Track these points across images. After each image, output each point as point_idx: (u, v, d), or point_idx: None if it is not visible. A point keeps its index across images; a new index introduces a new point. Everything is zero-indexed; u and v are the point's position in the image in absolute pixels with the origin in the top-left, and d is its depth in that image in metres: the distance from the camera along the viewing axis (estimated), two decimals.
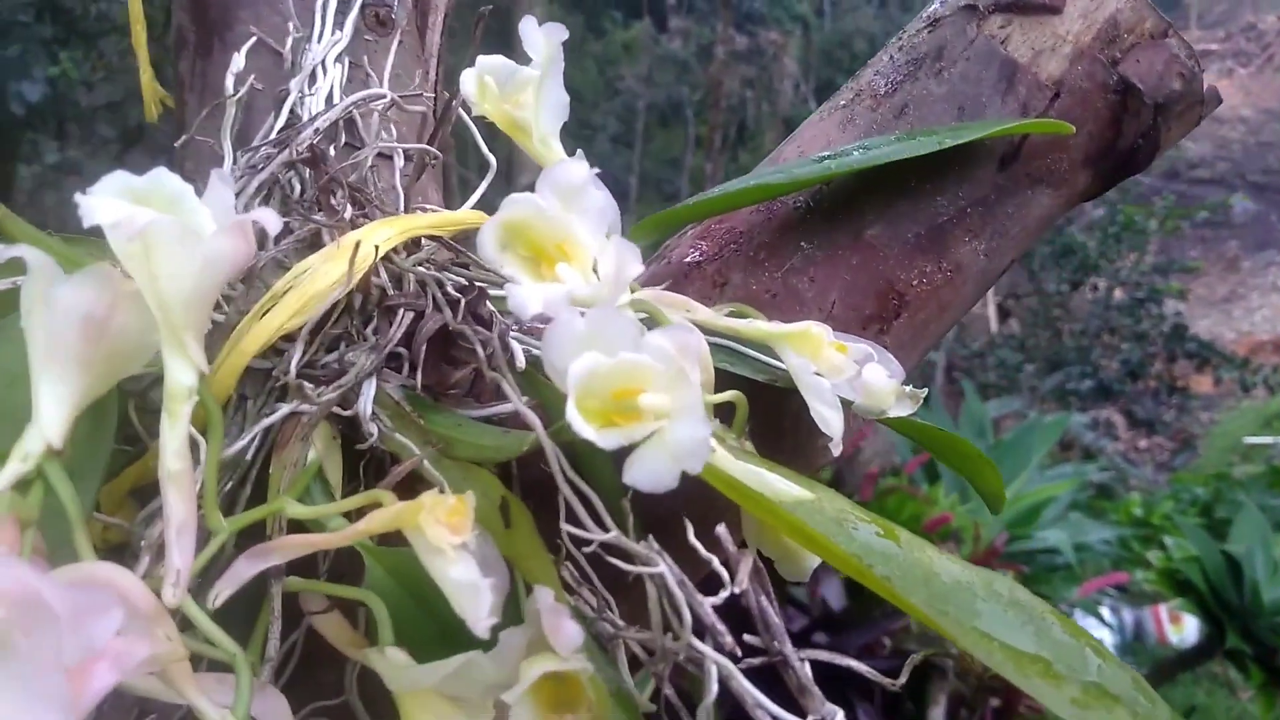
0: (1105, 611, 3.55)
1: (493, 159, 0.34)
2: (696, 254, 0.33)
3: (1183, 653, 3.31)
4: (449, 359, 0.29)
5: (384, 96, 0.35)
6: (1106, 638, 3.52)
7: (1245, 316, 10.31)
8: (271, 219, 0.22)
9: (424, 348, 0.28)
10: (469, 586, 0.23)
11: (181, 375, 0.23)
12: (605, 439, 0.23)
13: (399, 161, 0.33)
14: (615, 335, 0.24)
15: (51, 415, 0.22)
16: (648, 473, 0.23)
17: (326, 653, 0.27)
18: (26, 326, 0.23)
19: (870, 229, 0.32)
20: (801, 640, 1.98)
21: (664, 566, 0.25)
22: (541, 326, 0.34)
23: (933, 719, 2.12)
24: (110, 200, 0.22)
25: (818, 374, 0.29)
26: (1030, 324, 7.74)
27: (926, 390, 0.31)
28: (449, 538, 0.23)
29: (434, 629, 0.27)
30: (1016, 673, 0.25)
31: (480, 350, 0.28)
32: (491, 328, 0.29)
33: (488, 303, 0.29)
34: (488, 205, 0.29)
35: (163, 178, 0.24)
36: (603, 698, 0.24)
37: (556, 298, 0.25)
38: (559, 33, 0.31)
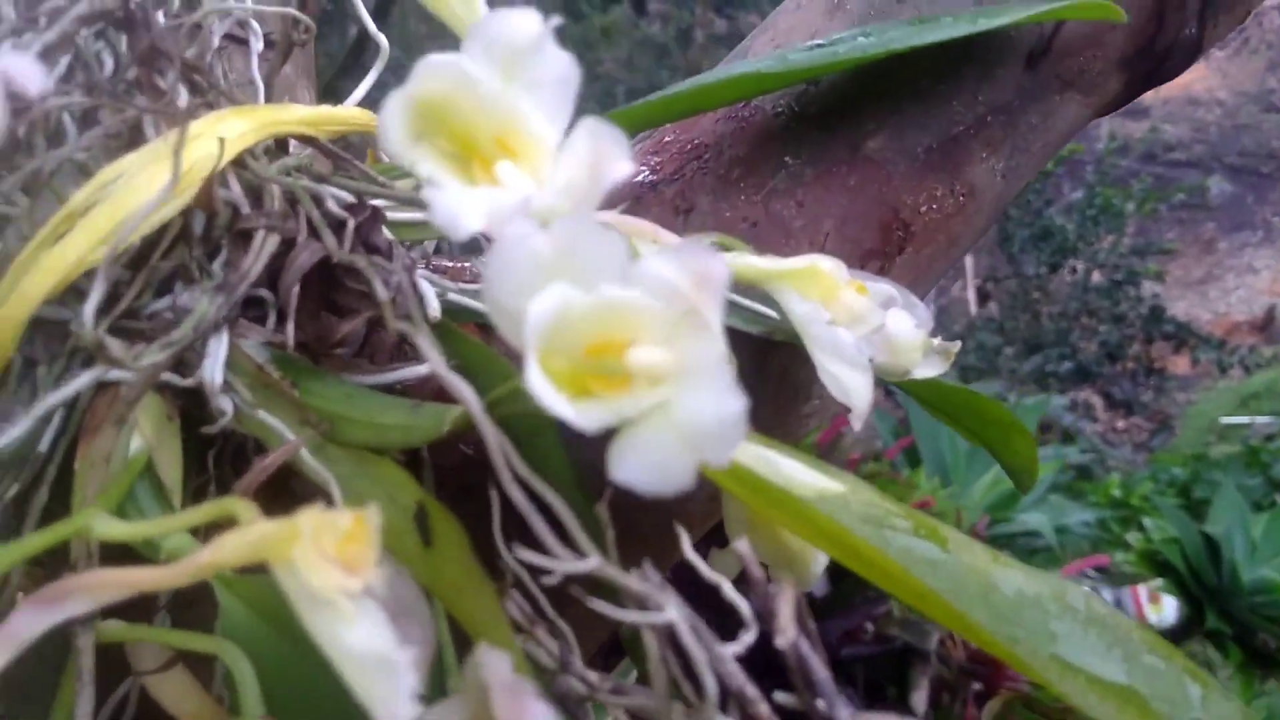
0: None
1: (384, 40, 0.27)
2: (650, 173, 0.26)
3: (1161, 633, 3.35)
4: (331, 305, 0.21)
5: None
6: None
7: (1222, 298, 10.40)
8: (32, 72, 0.14)
9: (297, 289, 0.20)
10: (374, 660, 0.15)
11: None
12: (584, 416, 0.16)
13: (256, 44, 0.26)
14: (594, 259, 0.16)
15: None
16: (648, 465, 0.16)
17: None
18: None
19: (871, 140, 0.26)
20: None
21: (674, 612, 0.17)
22: (456, 263, 0.27)
23: (915, 703, 2.10)
24: None
25: (832, 324, 0.22)
26: (1009, 307, 7.79)
27: (960, 342, 0.25)
28: (342, 581, 0.16)
29: (322, 690, 0.18)
30: (1111, 712, 0.19)
31: (381, 291, 0.21)
32: (392, 261, 0.22)
33: (384, 228, 0.22)
34: (374, 105, 0.22)
35: None
36: None
37: (506, 205, 0.18)
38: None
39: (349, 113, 0.23)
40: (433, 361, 0.18)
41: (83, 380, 0.18)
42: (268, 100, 0.26)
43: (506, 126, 0.19)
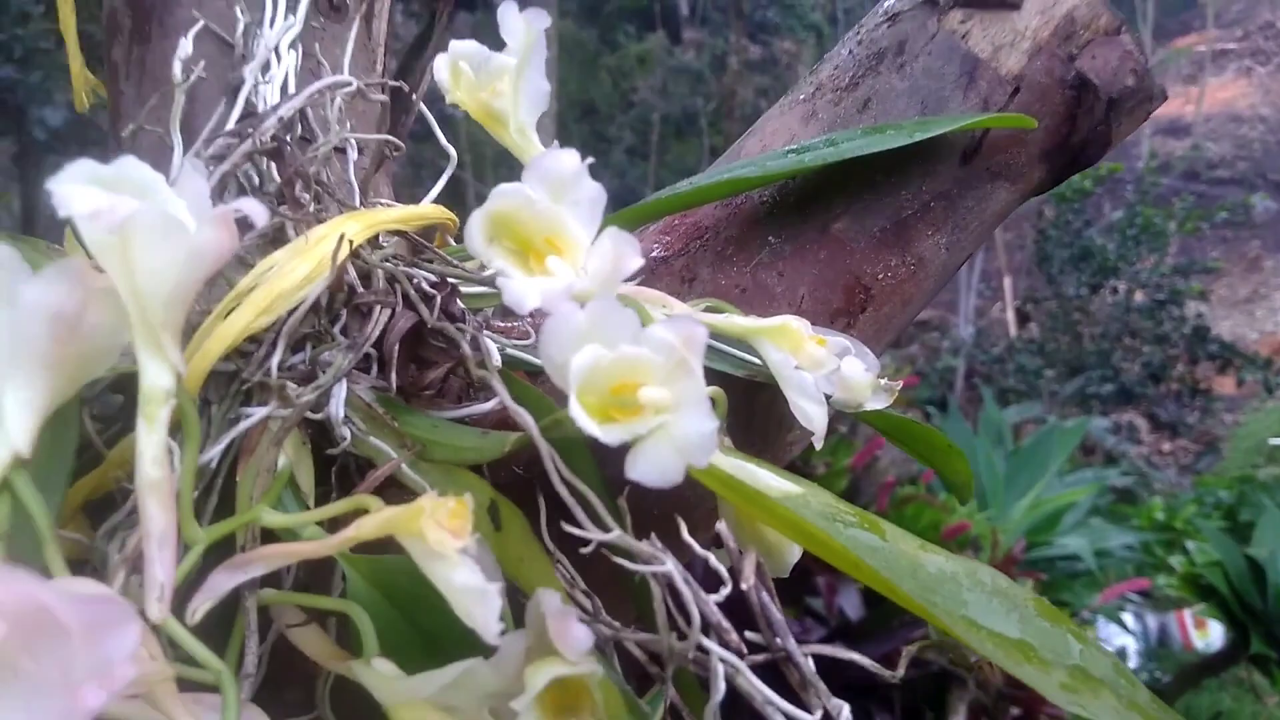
0: (1128, 618, 3.51)
1: (452, 151, 0.34)
2: (661, 250, 0.33)
3: (1207, 658, 3.26)
4: (418, 359, 0.29)
5: (349, 84, 0.34)
6: (1130, 644, 3.47)
7: (1268, 316, 10.18)
8: (258, 209, 0.22)
9: (397, 347, 0.28)
10: (476, 592, 0.22)
11: (159, 378, 0.22)
12: (608, 434, 0.23)
13: (352, 154, 0.33)
14: (616, 328, 0.23)
15: (18, 422, 0.21)
16: (653, 467, 0.22)
17: (292, 668, 0.26)
18: None
19: (837, 223, 0.33)
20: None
21: (670, 564, 0.24)
22: (506, 324, 0.34)
23: None
24: (86, 189, 0.21)
25: (799, 368, 0.29)
26: (1050, 328, 7.69)
27: (900, 383, 0.31)
28: (451, 542, 0.22)
29: (417, 638, 0.26)
30: (1007, 659, 0.25)
31: (465, 348, 0.28)
32: (464, 325, 0.29)
33: (458, 299, 0.29)
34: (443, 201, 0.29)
35: (131, 166, 0.22)
36: (611, 699, 0.24)
37: (556, 291, 0.25)
38: (540, 19, 0.31)
39: (427, 210, 0.31)
40: (504, 399, 0.25)
41: (260, 414, 0.25)
42: (361, 194, 0.33)
43: (554, 231, 0.26)
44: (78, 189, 0.21)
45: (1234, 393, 7.46)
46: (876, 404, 0.30)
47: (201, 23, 0.35)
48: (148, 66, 0.39)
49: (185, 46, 0.33)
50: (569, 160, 0.26)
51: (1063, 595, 2.97)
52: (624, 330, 0.23)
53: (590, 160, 0.26)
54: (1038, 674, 0.25)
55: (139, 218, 0.21)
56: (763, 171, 0.31)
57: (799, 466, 2.17)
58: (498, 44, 0.31)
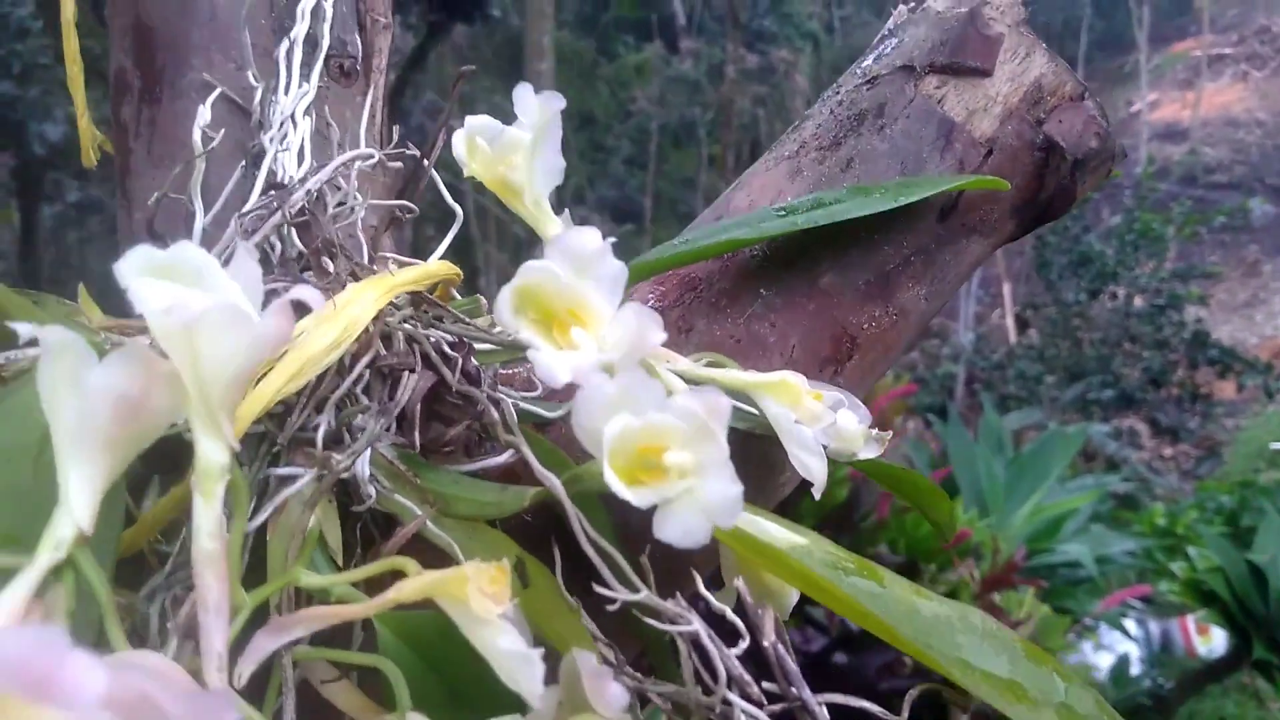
0: (1131, 624, 3.49)
1: (459, 209, 0.36)
2: (656, 300, 0.35)
3: (1210, 664, 3.25)
4: (437, 416, 0.31)
5: (372, 156, 0.36)
6: (1133, 651, 3.47)
7: (1268, 320, 10.19)
8: (315, 297, 0.23)
9: (419, 406, 0.30)
10: (520, 657, 0.23)
11: (216, 455, 0.23)
12: (639, 498, 0.24)
13: (360, 212, 0.35)
14: (644, 397, 0.25)
15: (81, 500, 0.22)
16: (681, 529, 0.24)
17: None
18: (50, 408, 0.22)
19: (824, 277, 0.35)
20: (822, 660, 1.98)
21: (697, 624, 0.26)
22: (510, 370, 0.36)
23: None
24: (158, 284, 0.22)
25: (798, 422, 0.30)
26: (1049, 334, 7.69)
27: (890, 433, 0.33)
28: (495, 608, 0.23)
29: (444, 692, 0.27)
30: (1000, 699, 0.27)
31: (491, 411, 0.30)
32: (480, 385, 0.31)
33: (473, 358, 0.31)
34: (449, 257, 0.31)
35: (187, 251, 0.24)
36: None
37: (586, 366, 0.26)
38: (556, 101, 0.32)
39: (436, 267, 0.33)
40: (533, 464, 0.27)
41: (306, 478, 0.27)
42: (369, 252, 0.35)
43: (577, 304, 0.28)
44: (149, 284, 0.22)
45: (1234, 397, 7.46)
46: (869, 453, 0.32)
47: (219, 90, 0.36)
48: (158, 126, 0.40)
49: (204, 114, 0.35)
50: (591, 239, 0.28)
51: (1065, 602, 2.92)
52: (651, 399, 0.25)
53: (613, 239, 0.28)
54: (1028, 713, 0.27)
55: (211, 314, 0.22)
56: (758, 233, 0.33)
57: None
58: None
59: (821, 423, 0.30)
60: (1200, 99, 13.91)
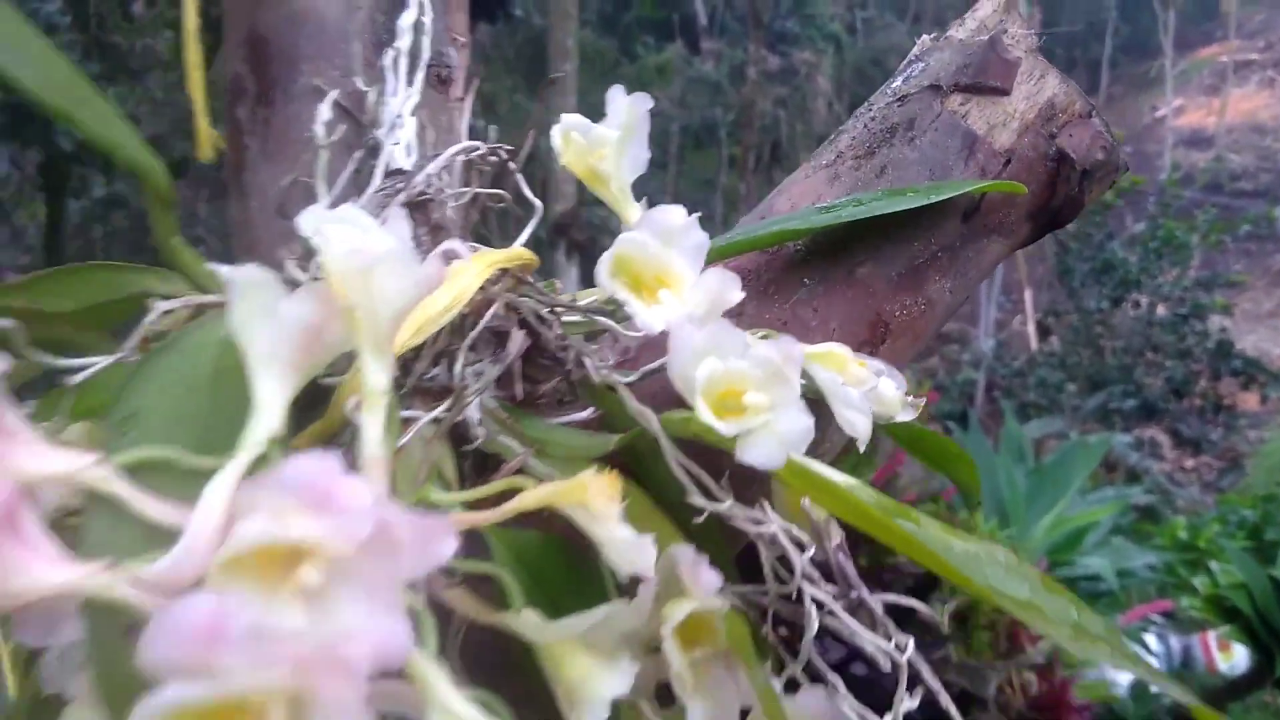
0: (1151, 639, 3.44)
1: (538, 203, 0.41)
2: None
3: (1232, 681, 3.20)
4: (530, 374, 0.36)
5: (478, 148, 0.41)
6: (1154, 665, 3.44)
7: None
8: (463, 250, 0.29)
9: (518, 364, 0.35)
10: (634, 543, 0.27)
11: (381, 378, 0.27)
12: (727, 428, 0.29)
13: (464, 199, 0.40)
14: (728, 344, 0.30)
15: (273, 408, 0.26)
16: (760, 454, 0.29)
17: None
18: (244, 336, 0.26)
19: (861, 268, 0.40)
20: (841, 668, 2.01)
21: (775, 526, 0.31)
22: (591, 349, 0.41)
23: None
24: (343, 228, 0.27)
25: (845, 385, 0.35)
26: (1071, 342, 7.63)
27: (925, 399, 0.38)
28: (612, 505, 0.28)
29: (544, 597, 0.30)
30: (1025, 616, 0.32)
31: (588, 364, 0.35)
32: (569, 348, 0.36)
33: (558, 325, 0.36)
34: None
35: (352, 212, 0.28)
36: (733, 629, 0.30)
37: (677, 316, 0.32)
38: (644, 102, 0.37)
39: (521, 251, 0.38)
40: (628, 400, 0.32)
41: (426, 419, 0.32)
42: (463, 236, 0.40)
43: (663, 270, 0.33)
44: (337, 228, 0.27)
45: (1258, 409, 7.38)
46: (905, 417, 0.37)
47: (336, 91, 0.41)
48: (273, 126, 0.46)
49: (325, 112, 0.40)
50: (678, 215, 0.33)
51: None
52: (735, 347, 0.30)
53: (698, 214, 0.33)
54: (1049, 627, 0.32)
55: (389, 256, 0.26)
56: (807, 224, 0.38)
57: None
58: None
59: (865, 386, 0.35)
60: (1226, 105, 13.73)
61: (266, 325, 0.26)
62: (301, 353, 0.27)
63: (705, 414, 0.29)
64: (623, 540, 0.27)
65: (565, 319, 0.37)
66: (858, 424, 0.34)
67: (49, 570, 0.22)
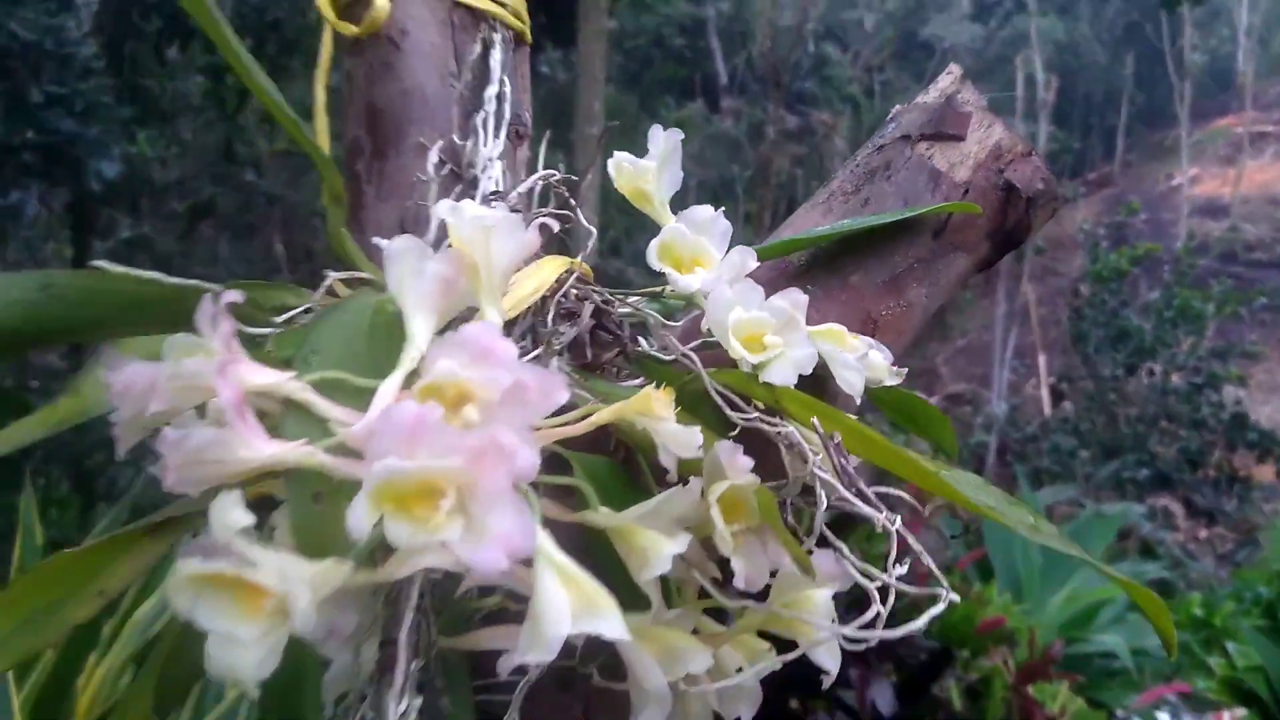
0: (1164, 716, 3.37)
1: (593, 228, 0.51)
2: None
3: None
4: (592, 344, 0.45)
5: (554, 175, 0.50)
6: None
7: None
8: (553, 223, 0.41)
9: (587, 336, 0.44)
10: (685, 432, 0.36)
11: (496, 319, 0.36)
12: (753, 358, 0.39)
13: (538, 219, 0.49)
14: (750, 298, 0.41)
15: (421, 340, 0.34)
16: (778, 375, 0.39)
17: None
18: (399, 287, 0.34)
19: (853, 276, 0.49)
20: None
21: (792, 429, 0.39)
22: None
23: None
24: (469, 206, 0.37)
25: (843, 352, 0.43)
26: (1085, 408, 7.58)
27: (907, 369, 0.46)
28: (669, 409, 0.36)
29: (608, 504, 0.37)
30: (993, 515, 0.39)
31: (646, 345, 0.45)
32: (624, 328, 0.46)
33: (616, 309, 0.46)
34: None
35: (473, 206, 0.37)
36: (764, 502, 0.36)
37: (710, 279, 0.42)
38: (675, 136, 0.47)
39: (580, 261, 0.47)
40: (678, 350, 0.42)
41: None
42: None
43: (697, 252, 0.43)
44: (465, 206, 0.37)
45: (1273, 481, 7.31)
46: (890, 382, 0.45)
47: (440, 142, 0.51)
48: (386, 175, 0.54)
49: (434, 157, 0.49)
50: (706, 211, 0.45)
51: (1099, 695, 2.86)
52: (755, 299, 0.41)
53: (723, 209, 0.44)
54: (1010, 523, 0.40)
55: (502, 221, 0.36)
56: (809, 237, 0.48)
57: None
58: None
59: (858, 353, 0.43)
60: (1241, 175, 13.80)
61: (416, 279, 0.35)
62: (441, 299, 0.35)
63: (736, 348, 0.40)
64: (677, 432, 0.36)
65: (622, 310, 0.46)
66: (854, 382, 0.42)
67: (266, 446, 0.30)
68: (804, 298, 0.40)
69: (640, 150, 0.47)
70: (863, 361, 0.43)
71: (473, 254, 0.35)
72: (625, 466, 0.40)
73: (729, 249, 0.44)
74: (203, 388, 0.33)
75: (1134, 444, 7.06)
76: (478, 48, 0.50)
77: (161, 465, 0.30)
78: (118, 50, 4.11)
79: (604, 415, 0.37)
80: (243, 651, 0.27)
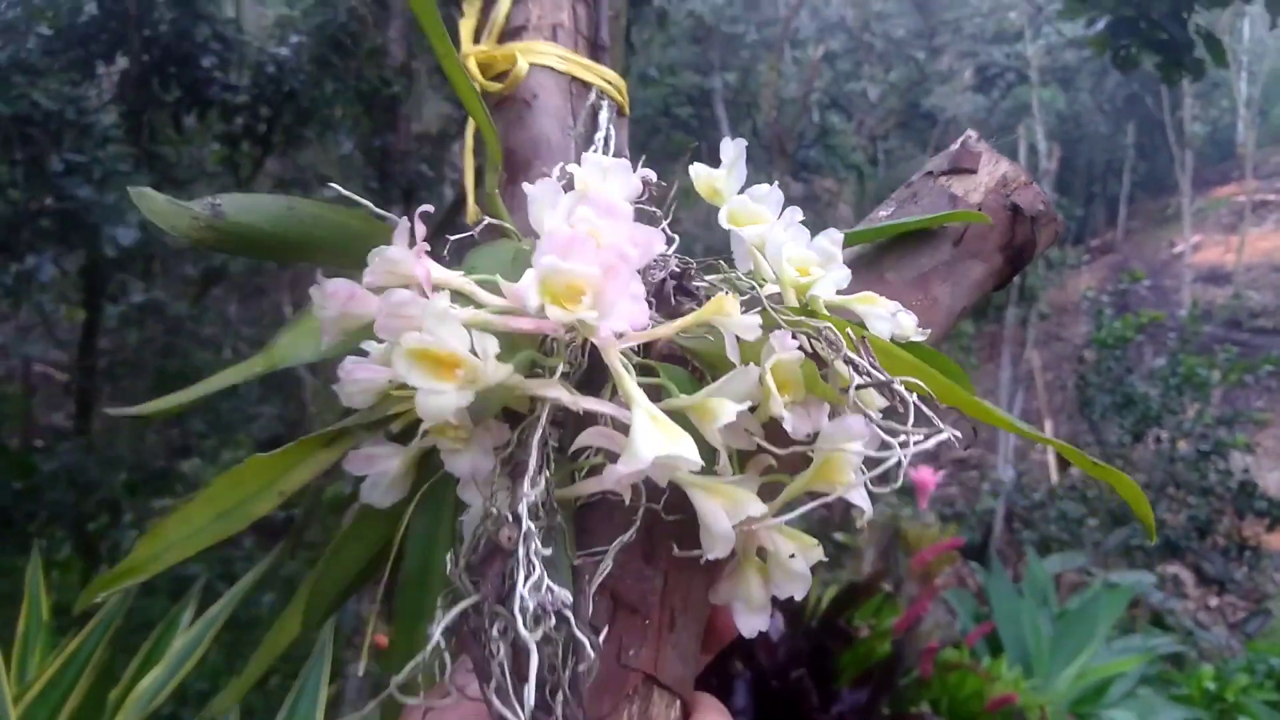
0: None
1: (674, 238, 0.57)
2: None
3: None
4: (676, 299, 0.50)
5: (653, 179, 0.58)
6: None
7: None
8: (651, 174, 0.52)
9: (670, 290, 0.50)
10: (749, 321, 0.40)
11: None
12: (803, 280, 0.46)
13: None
14: (799, 238, 0.49)
15: None
16: (824, 289, 0.46)
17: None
18: (537, 218, 0.43)
19: (889, 273, 0.59)
20: None
21: (827, 325, 0.44)
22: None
23: None
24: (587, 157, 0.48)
25: (875, 308, 0.48)
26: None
27: (930, 330, 0.50)
28: (737, 308, 0.41)
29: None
30: (962, 403, 0.45)
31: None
32: (700, 287, 0.51)
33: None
34: None
35: (590, 157, 0.50)
36: (809, 373, 0.42)
37: (766, 229, 0.50)
38: (740, 145, 0.53)
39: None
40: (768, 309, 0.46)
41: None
42: None
43: (756, 215, 0.51)
44: (586, 156, 0.49)
45: None
46: (917, 339, 0.49)
47: (561, 165, 0.58)
48: (516, 195, 0.63)
49: (555, 173, 0.57)
50: (764, 188, 0.52)
51: None
52: (804, 239, 0.49)
53: (776, 183, 0.52)
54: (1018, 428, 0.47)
55: (614, 166, 0.49)
56: (853, 232, 0.58)
57: (843, 628, 2.13)
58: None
59: (889, 311, 0.48)
60: (1244, 243, 13.91)
61: (551, 211, 0.43)
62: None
63: (790, 272, 0.48)
64: (745, 324, 0.41)
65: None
66: (884, 330, 0.48)
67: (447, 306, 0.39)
68: (839, 235, 0.49)
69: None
70: (894, 318, 0.50)
71: (589, 187, 0.45)
72: (697, 377, 0.47)
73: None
74: (401, 273, 0.42)
75: None
76: (588, 110, 0.62)
77: (341, 384, 0.41)
78: (137, 118, 4.17)
79: (689, 319, 0.43)
80: (442, 399, 0.36)
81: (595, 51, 0.64)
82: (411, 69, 4.86)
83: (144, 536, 0.43)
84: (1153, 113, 14.64)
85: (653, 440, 0.35)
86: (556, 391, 0.38)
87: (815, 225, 0.52)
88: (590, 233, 0.38)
